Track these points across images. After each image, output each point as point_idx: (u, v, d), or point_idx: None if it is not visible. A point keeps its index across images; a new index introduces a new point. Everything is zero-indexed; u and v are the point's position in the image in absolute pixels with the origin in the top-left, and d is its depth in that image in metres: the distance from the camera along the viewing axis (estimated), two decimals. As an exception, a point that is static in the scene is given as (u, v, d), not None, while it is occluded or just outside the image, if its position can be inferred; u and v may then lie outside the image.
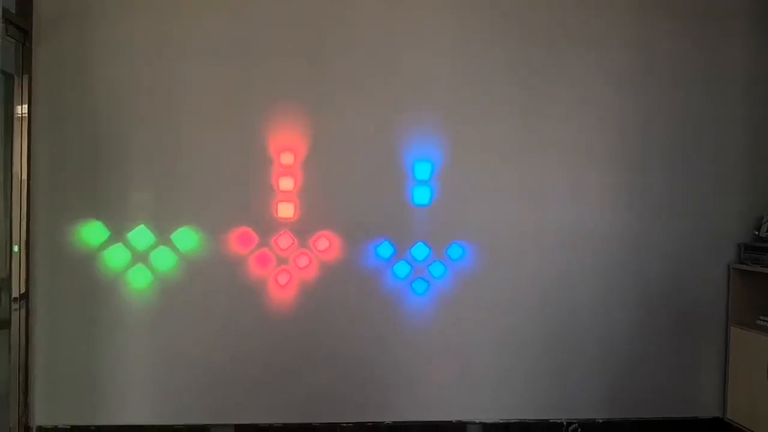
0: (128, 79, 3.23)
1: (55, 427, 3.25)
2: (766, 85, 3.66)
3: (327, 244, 3.38)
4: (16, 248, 3.11)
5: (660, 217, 3.59)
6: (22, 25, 3.04)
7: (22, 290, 3.13)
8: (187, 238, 3.29)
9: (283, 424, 3.37)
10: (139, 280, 3.27)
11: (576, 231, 3.53)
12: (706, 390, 3.66)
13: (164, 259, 3.28)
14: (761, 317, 3.54)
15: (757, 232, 3.58)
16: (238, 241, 3.32)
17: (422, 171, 3.41)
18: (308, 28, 3.34)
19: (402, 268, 3.42)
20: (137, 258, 3.27)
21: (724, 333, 3.64)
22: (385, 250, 3.40)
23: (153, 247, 3.27)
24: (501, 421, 3.51)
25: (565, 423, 3.56)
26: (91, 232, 3.23)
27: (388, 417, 3.44)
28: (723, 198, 3.64)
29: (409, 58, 3.41)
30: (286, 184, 3.32)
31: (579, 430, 3.55)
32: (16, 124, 3.10)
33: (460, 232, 3.45)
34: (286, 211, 3.32)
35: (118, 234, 3.24)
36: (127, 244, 3.25)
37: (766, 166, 3.67)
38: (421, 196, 3.41)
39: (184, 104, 3.27)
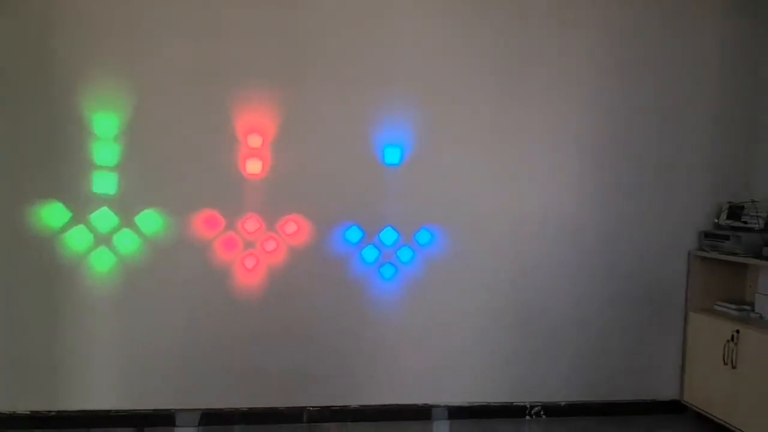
0: (90, 55, 3.13)
1: (13, 412, 3.18)
2: (733, 77, 3.75)
3: (295, 228, 3.35)
4: (-29, 229, 3.02)
5: (629, 203, 3.67)
6: (-23, -3, 2.93)
7: (-21, 272, 3.05)
8: (151, 220, 3.23)
9: (249, 408, 3.36)
10: (102, 263, 3.20)
11: (544, 216, 3.58)
12: (665, 373, 3.77)
13: (128, 242, 3.21)
14: (719, 303, 3.64)
15: (716, 220, 3.68)
16: (204, 224, 3.27)
17: (392, 155, 3.40)
18: (280, 8, 3.28)
19: (370, 253, 3.42)
20: (100, 240, 3.20)
21: (683, 318, 3.75)
22: (354, 234, 3.40)
23: (116, 229, 3.20)
24: (466, 405, 3.56)
25: (528, 406, 3.63)
26: (51, 214, 3.14)
27: (355, 401, 3.46)
28: (690, 186, 3.74)
29: (383, 41, 3.39)
30: (254, 166, 3.28)
31: (542, 412, 3.63)
32: (-28, 101, 2.99)
33: (430, 217, 3.47)
34: (253, 193, 3.28)
35: (79, 215, 3.17)
36: (89, 226, 3.18)
37: (730, 156, 3.77)
38: (392, 179, 3.40)
39: (149, 82, 3.19)
